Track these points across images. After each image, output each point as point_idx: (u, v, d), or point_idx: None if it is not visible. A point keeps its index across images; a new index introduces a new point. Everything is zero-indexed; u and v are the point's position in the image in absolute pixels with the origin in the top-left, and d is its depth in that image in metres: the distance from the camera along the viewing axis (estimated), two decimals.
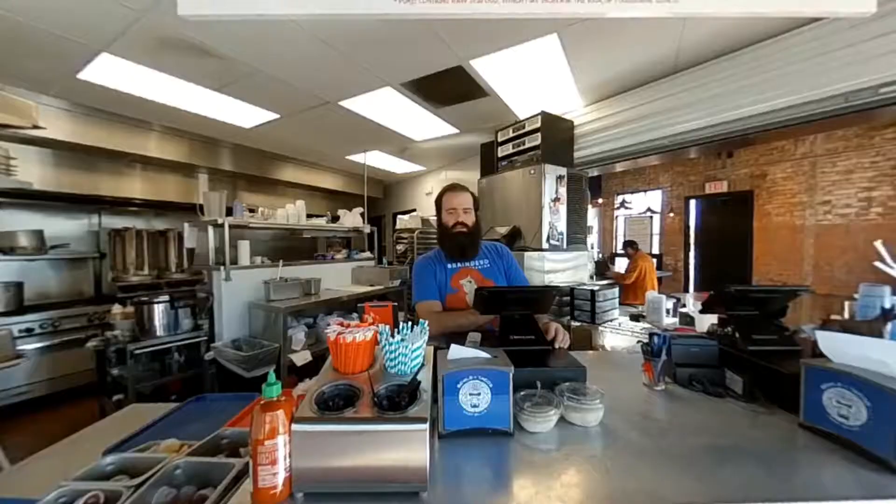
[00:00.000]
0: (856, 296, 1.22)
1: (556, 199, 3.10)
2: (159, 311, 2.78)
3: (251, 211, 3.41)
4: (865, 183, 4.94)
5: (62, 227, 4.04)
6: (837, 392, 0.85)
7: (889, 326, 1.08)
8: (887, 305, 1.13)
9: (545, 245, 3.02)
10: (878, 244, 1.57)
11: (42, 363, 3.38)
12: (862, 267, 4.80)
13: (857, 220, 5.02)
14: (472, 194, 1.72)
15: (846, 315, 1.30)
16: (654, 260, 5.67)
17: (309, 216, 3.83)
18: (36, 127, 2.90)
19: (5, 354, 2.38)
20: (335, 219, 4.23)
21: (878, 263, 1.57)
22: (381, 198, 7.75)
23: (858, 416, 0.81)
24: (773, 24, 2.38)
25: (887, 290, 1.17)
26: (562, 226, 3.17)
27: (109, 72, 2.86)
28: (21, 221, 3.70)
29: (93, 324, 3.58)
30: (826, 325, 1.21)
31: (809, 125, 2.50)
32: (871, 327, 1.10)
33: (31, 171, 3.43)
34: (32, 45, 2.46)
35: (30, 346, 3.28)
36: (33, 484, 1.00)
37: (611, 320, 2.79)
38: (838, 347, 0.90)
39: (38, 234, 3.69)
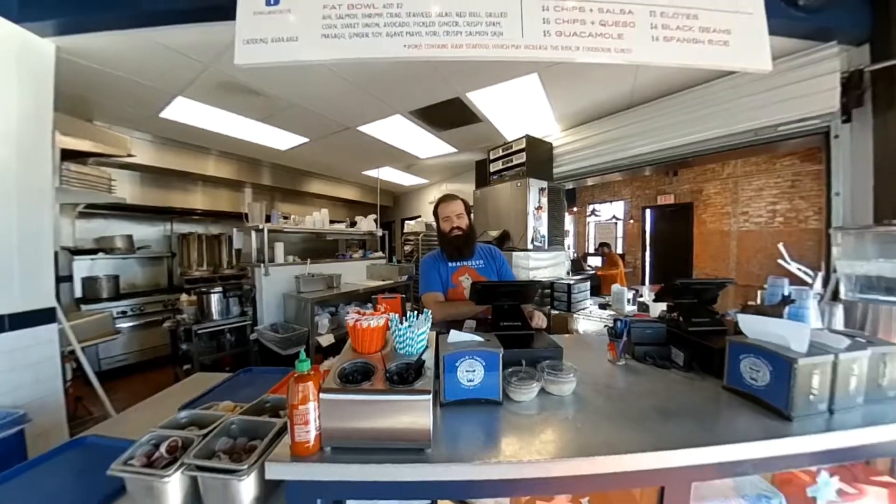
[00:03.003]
0: (765, 286, 1.26)
1: (539, 208, 3.07)
2: (215, 300, 2.81)
3: (285, 218, 3.43)
4: (771, 199, 5.16)
5: (145, 232, 4.21)
6: (751, 361, 0.89)
7: (787, 309, 1.12)
8: (786, 293, 1.18)
9: (530, 246, 2.99)
10: (780, 246, 1.67)
11: (133, 338, 3.54)
12: (770, 264, 4.91)
13: (766, 227, 5.23)
14: (464, 200, 1.66)
15: (759, 301, 1.32)
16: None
17: (331, 222, 3.85)
18: (129, 155, 3.08)
19: (108, 331, 2.52)
20: (353, 224, 4.25)
21: (780, 261, 1.66)
22: (392, 206, 7.71)
23: (764, 378, 0.86)
24: (703, 74, 2.44)
25: (786, 281, 1.21)
26: (543, 230, 3.13)
27: (183, 111, 2.92)
28: (117, 228, 3.91)
29: (167, 308, 3.64)
30: (744, 309, 1.23)
31: (730, 152, 2.58)
32: (774, 310, 1.14)
33: (124, 189, 3.55)
34: (126, 92, 2.56)
35: (124, 324, 3.45)
36: (131, 429, 1.04)
37: (583, 309, 2.80)
38: (752, 326, 0.94)
39: (129, 238, 3.87)
